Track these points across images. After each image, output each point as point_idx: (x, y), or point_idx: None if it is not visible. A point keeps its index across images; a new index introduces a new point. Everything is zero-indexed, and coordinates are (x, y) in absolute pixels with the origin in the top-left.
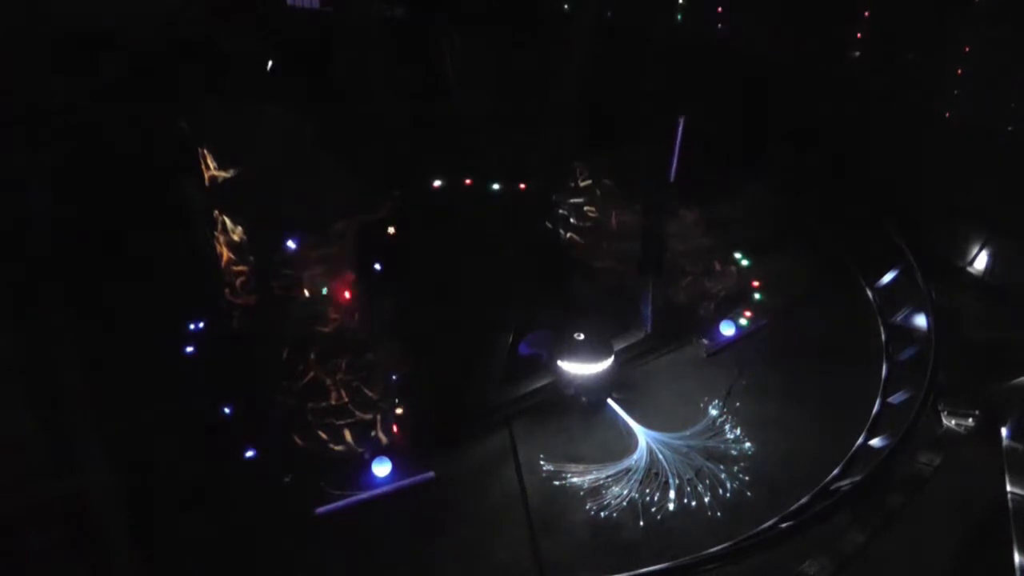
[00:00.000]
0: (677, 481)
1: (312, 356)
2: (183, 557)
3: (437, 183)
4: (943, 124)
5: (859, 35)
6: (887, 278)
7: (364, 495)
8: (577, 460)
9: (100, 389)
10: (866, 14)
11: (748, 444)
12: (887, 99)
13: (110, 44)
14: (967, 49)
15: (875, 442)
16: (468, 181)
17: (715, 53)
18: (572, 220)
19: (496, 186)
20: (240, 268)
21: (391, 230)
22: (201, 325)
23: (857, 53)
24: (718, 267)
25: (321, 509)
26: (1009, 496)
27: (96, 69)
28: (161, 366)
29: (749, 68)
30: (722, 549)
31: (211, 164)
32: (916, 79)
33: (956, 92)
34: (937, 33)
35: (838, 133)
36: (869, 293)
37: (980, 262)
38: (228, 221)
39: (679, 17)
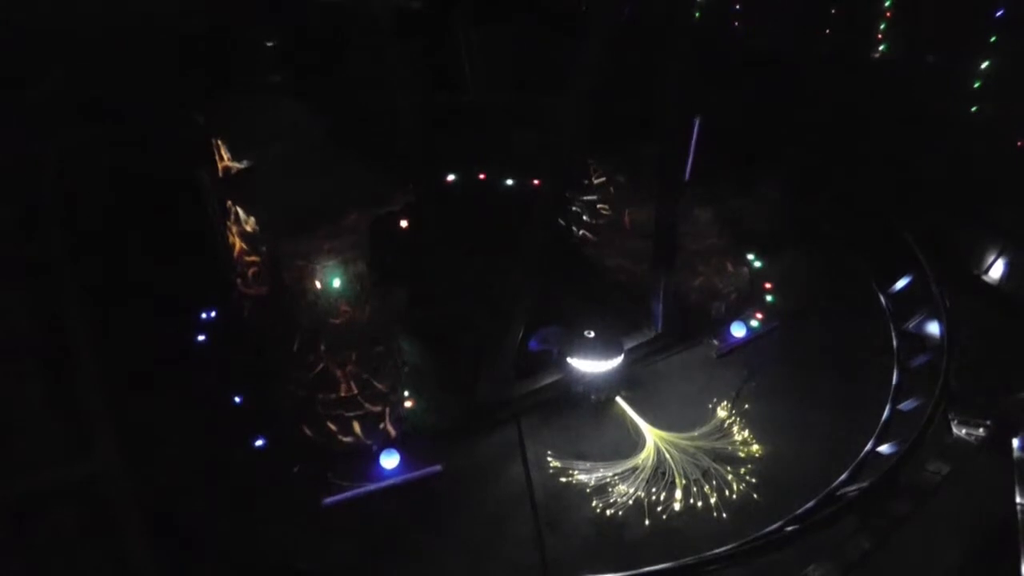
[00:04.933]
0: (684, 481)
1: (322, 347)
2: (192, 545)
3: (451, 177)
4: (963, 128)
5: (879, 36)
6: (900, 284)
7: (372, 487)
8: (584, 457)
9: (114, 375)
10: (888, 14)
11: (756, 446)
12: (906, 101)
13: (127, 35)
14: (991, 52)
15: (884, 449)
16: (482, 175)
17: (733, 51)
18: (585, 217)
19: (510, 181)
20: (252, 259)
21: (404, 223)
22: (213, 314)
23: (877, 54)
24: (730, 268)
25: (329, 500)
26: (1019, 508)
27: (113, 60)
28: (173, 354)
29: (768, 67)
30: (726, 551)
31: (225, 155)
32: (938, 82)
33: (978, 96)
34: (960, 35)
35: (856, 135)
36: (882, 298)
37: (996, 270)
38: (241, 212)
39: (697, 15)
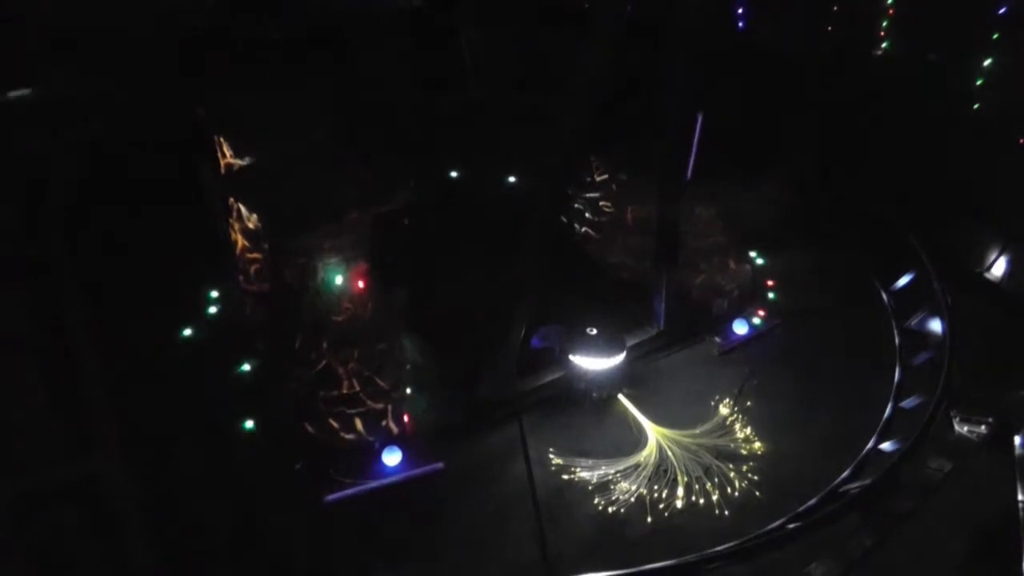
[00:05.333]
0: (686, 479)
1: (324, 345)
2: (193, 541)
3: (453, 175)
4: (965, 125)
5: (882, 32)
6: (902, 281)
7: (374, 484)
8: (586, 455)
9: (114, 373)
10: (890, 12)
11: (758, 444)
12: (909, 98)
13: (131, 32)
14: (993, 50)
15: (886, 446)
16: (484, 173)
17: (736, 48)
18: (587, 215)
19: (512, 179)
20: (254, 256)
21: (406, 221)
22: (215, 311)
23: (880, 51)
24: (732, 265)
25: (331, 496)
26: (1020, 506)
27: (116, 56)
28: (174, 351)
29: (770, 64)
30: (728, 548)
31: (227, 152)
32: (940, 79)
33: (980, 93)
34: (963, 32)
35: (858, 132)
36: (884, 296)
37: (998, 268)
38: (243, 209)
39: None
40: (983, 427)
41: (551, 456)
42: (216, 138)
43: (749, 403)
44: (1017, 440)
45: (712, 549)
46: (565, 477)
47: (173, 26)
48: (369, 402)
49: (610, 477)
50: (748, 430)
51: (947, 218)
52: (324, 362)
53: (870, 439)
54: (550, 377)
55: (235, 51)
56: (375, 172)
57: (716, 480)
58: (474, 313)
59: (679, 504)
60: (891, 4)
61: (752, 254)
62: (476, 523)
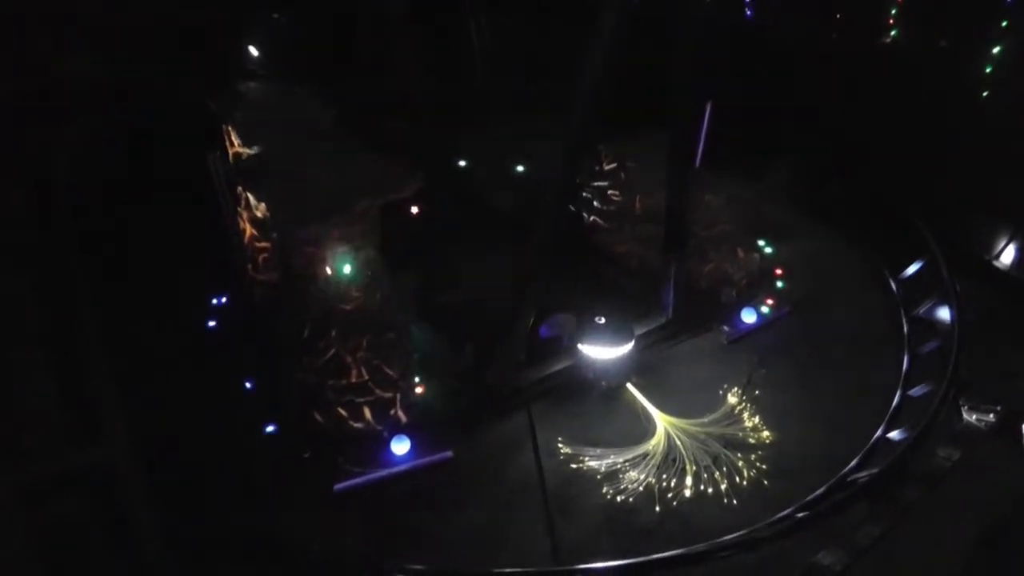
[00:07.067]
0: (694, 468)
1: (333, 334)
2: (201, 530)
3: (462, 163)
4: (975, 113)
5: (891, 20)
6: (911, 269)
7: (382, 473)
8: (595, 444)
9: (124, 361)
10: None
11: (766, 433)
12: (919, 86)
13: (136, 21)
14: (1002, 37)
15: (894, 435)
16: (492, 162)
17: (744, 36)
18: (596, 203)
19: (520, 168)
20: (263, 244)
21: (414, 210)
22: (224, 300)
23: (888, 39)
24: (741, 254)
25: (339, 485)
26: None
27: (123, 46)
28: (184, 339)
29: (779, 51)
30: (737, 537)
31: (235, 141)
32: (950, 66)
33: (991, 80)
34: (972, 19)
35: (867, 119)
36: (893, 284)
37: (1007, 256)
38: (251, 198)
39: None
40: (991, 416)
41: (560, 445)
42: (224, 127)
43: (757, 392)
44: None
45: (721, 538)
46: (574, 466)
47: (182, 15)
48: (378, 391)
49: (619, 466)
50: (756, 419)
51: (956, 206)
52: (333, 351)
53: (878, 428)
54: (558, 366)
55: (244, 40)
56: (384, 161)
57: (724, 469)
58: (482, 302)
59: (687, 493)
60: None
61: (760, 243)
62: (485, 512)
